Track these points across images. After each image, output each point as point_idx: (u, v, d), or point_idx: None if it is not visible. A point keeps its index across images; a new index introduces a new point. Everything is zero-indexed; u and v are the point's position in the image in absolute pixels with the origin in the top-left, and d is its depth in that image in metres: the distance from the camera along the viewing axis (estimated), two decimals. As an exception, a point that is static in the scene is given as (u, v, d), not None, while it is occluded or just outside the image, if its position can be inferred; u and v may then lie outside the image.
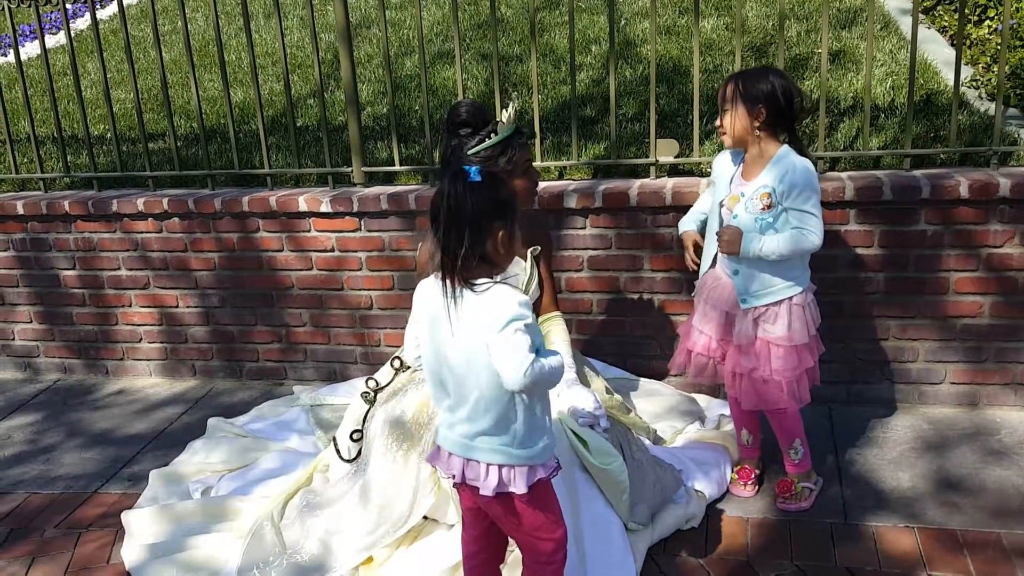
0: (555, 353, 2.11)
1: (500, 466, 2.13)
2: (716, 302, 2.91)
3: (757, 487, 3.06)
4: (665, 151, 3.70)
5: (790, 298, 2.80)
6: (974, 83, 4.22)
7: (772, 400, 2.85)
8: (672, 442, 3.23)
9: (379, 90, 4.96)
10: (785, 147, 2.79)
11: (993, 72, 4.20)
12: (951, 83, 4.28)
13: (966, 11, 4.65)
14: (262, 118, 4.07)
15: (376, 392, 3.00)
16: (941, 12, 4.75)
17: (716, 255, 2.90)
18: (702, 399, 3.59)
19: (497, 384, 2.05)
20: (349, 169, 4.01)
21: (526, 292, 2.92)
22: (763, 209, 2.74)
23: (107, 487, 3.41)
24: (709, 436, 3.26)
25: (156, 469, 3.35)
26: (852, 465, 3.19)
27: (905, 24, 4.82)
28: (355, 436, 3.01)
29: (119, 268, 4.22)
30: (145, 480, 3.33)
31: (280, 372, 4.17)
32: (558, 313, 3.00)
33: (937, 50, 4.57)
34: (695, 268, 3.04)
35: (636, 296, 3.70)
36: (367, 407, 3.00)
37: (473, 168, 2.09)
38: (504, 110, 2.77)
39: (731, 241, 2.77)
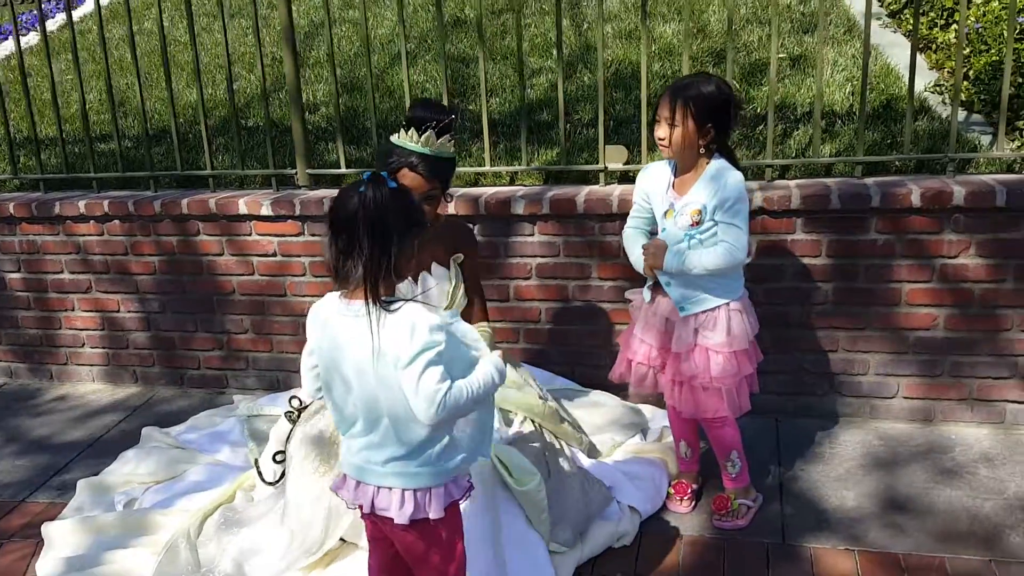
0: (488, 359, 2.02)
1: (415, 490, 2.03)
2: (657, 309, 2.82)
3: (694, 502, 2.97)
4: (614, 157, 3.61)
5: (727, 304, 2.71)
6: (937, 89, 4.13)
7: (711, 408, 2.76)
8: (609, 455, 3.13)
9: (330, 91, 4.85)
10: (720, 161, 2.70)
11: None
12: (916, 88, 4.21)
13: (933, 15, 4.58)
14: (204, 119, 3.98)
15: (300, 411, 2.89)
16: (908, 16, 4.66)
17: None
18: (648, 410, 3.49)
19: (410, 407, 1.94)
20: (293, 171, 3.92)
21: (452, 301, 2.83)
22: (692, 225, 2.66)
23: (35, 496, 3.32)
24: (648, 449, 3.16)
25: (84, 479, 3.26)
26: (795, 481, 3.09)
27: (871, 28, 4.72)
28: (278, 458, 2.90)
29: (62, 271, 4.13)
30: (74, 489, 3.24)
31: (221, 380, 4.08)
32: (484, 323, 2.92)
33: (902, 55, 4.47)
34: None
35: (584, 305, 3.60)
36: (291, 426, 2.89)
37: (385, 174, 1.98)
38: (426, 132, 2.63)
39: (655, 255, 2.72)
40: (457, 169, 3.77)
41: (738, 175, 2.67)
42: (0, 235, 4.14)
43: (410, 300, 1.95)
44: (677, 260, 2.66)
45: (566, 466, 2.80)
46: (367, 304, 1.91)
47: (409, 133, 2.61)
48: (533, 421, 2.90)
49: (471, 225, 3.39)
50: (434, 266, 2.84)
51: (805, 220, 3.30)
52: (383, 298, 1.92)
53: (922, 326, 3.32)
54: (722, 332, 2.71)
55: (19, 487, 3.38)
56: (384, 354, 1.90)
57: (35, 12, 6.92)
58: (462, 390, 1.91)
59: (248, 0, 6.16)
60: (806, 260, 3.35)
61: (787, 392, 3.49)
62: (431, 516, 2.01)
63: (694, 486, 3.00)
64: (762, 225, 3.33)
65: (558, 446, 2.89)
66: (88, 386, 4.24)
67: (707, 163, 2.69)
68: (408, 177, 2.61)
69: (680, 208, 2.69)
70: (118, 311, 4.11)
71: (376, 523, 2.12)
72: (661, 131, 2.67)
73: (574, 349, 3.67)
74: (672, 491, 2.97)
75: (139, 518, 2.94)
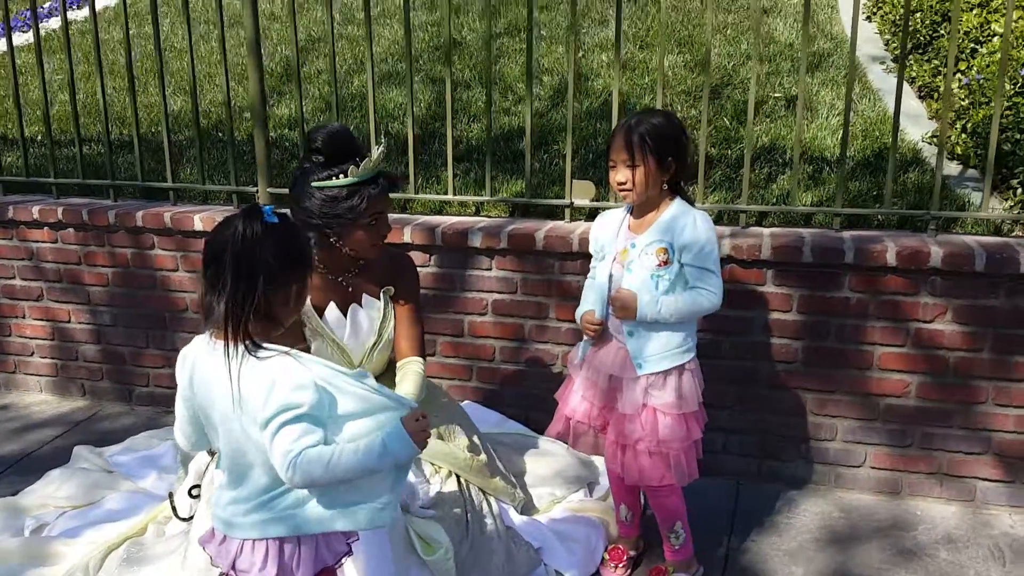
0: (388, 428, 1.83)
1: (282, 544, 1.85)
2: (601, 365, 2.61)
3: (629, 570, 2.76)
4: (581, 193, 3.44)
5: (683, 363, 2.52)
6: (935, 140, 3.93)
7: (656, 476, 2.55)
8: (547, 511, 2.93)
9: (320, 107, 4.74)
10: (679, 201, 2.52)
11: (956, 129, 3.90)
12: (912, 138, 4.01)
13: (937, 62, 4.37)
14: (167, 129, 3.85)
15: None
16: (912, 62, 4.46)
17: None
18: (600, 462, 3.28)
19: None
20: (255, 189, 3.78)
21: (380, 334, 2.68)
22: (659, 265, 2.46)
23: (-52, 513, 3.17)
24: (590, 508, 2.96)
25: (1, 498, 3.11)
26: (743, 554, 2.88)
27: (874, 72, 4.54)
28: (194, 492, 2.73)
29: (14, 277, 4.01)
30: (-7, 505, 3.10)
31: (170, 399, 3.87)
32: (417, 358, 2.71)
33: (904, 101, 4.26)
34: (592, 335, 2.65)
35: (541, 346, 3.42)
36: (209, 460, 2.73)
37: (268, 208, 1.83)
38: (377, 146, 2.52)
39: (625, 307, 2.47)
40: (421, 196, 3.65)
41: (703, 215, 2.49)
42: (-46, 237, 4.04)
43: (284, 352, 1.78)
44: (653, 307, 2.44)
45: (491, 527, 2.61)
46: (226, 346, 1.74)
47: (374, 159, 2.48)
48: (458, 477, 2.71)
49: (406, 253, 3.09)
50: (365, 298, 2.67)
51: (776, 272, 3.11)
52: (252, 342, 1.76)
53: (893, 392, 3.11)
54: (672, 392, 2.51)
55: (-63, 501, 3.24)
56: (246, 402, 1.74)
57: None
58: (323, 457, 1.72)
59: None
60: (776, 314, 3.15)
61: (751, 454, 3.28)
62: None
63: (632, 552, 2.79)
64: (731, 274, 3.13)
65: (485, 505, 2.70)
66: (35, 396, 4.11)
67: (668, 202, 2.51)
68: (385, 201, 2.55)
69: (643, 247, 2.49)
70: (69, 321, 3.98)
71: None
72: (620, 175, 2.47)
73: (528, 392, 3.48)
74: (607, 556, 2.77)
75: (42, 546, 2.78)
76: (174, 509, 2.79)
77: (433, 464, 2.68)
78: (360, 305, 2.67)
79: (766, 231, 3.23)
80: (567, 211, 3.45)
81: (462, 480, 2.71)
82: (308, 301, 2.52)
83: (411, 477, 2.56)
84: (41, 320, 4.02)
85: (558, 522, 2.86)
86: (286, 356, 1.77)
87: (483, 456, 2.80)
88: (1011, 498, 3.09)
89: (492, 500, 2.76)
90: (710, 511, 3.09)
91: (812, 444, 3.22)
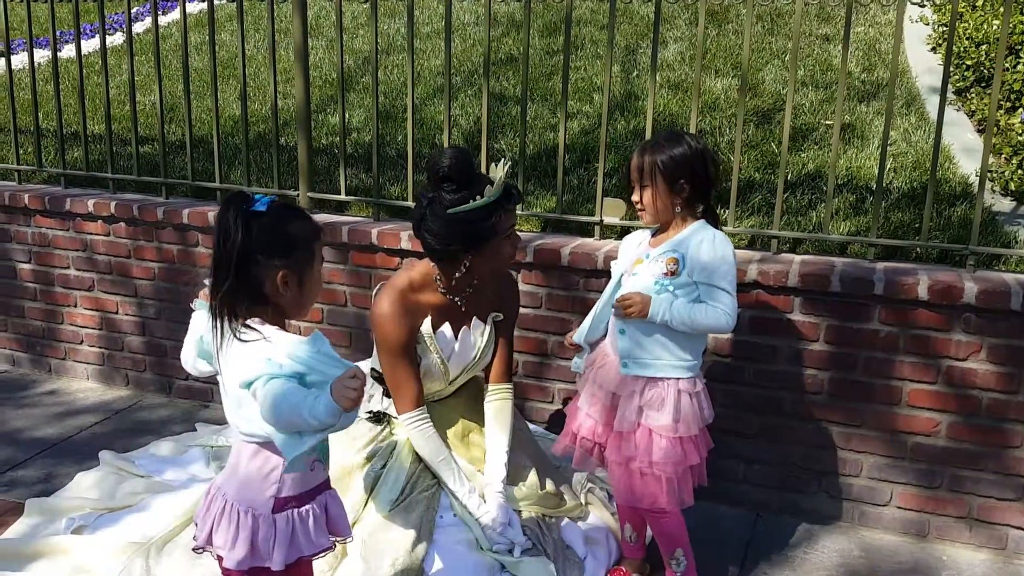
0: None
1: (256, 524, 1.89)
2: (603, 382, 2.60)
3: (631, 594, 2.72)
4: (611, 211, 3.41)
5: (677, 381, 2.48)
6: (989, 174, 3.79)
7: (648, 498, 2.52)
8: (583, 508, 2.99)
9: (369, 117, 4.83)
10: (700, 222, 2.50)
11: (1013, 164, 3.77)
12: (966, 171, 3.89)
13: (999, 96, 4.23)
14: (217, 132, 3.97)
15: None
16: (973, 96, 4.32)
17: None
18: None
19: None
20: (296, 193, 3.86)
21: (479, 359, 2.80)
22: (666, 274, 2.45)
23: (-18, 488, 3.31)
24: (606, 517, 2.94)
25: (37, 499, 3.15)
26: (751, 586, 2.81)
27: (932, 103, 4.41)
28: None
29: (69, 267, 4.18)
30: (23, 486, 3.23)
31: (207, 393, 4.03)
32: (509, 385, 2.87)
33: (960, 135, 4.16)
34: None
35: (563, 362, 3.41)
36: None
37: (265, 198, 1.88)
38: (496, 166, 2.57)
39: (636, 303, 2.44)
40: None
41: (721, 235, 2.47)
42: (16, 225, 4.22)
43: (266, 338, 1.84)
44: (665, 306, 2.42)
45: (552, 549, 2.70)
46: (213, 328, 1.85)
47: (501, 171, 2.57)
48: (532, 515, 2.79)
49: (512, 275, 3.11)
50: (474, 320, 2.77)
51: (804, 300, 3.04)
52: (240, 324, 1.84)
53: (922, 431, 3.00)
54: (669, 414, 2.47)
55: (-27, 476, 3.39)
56: (233, 380, 1.83)
57: (123, 13, 7.19)
58: (283, 385, 1.74)
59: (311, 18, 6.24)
60: (802, 344, 3.07)
61: (772, 485, 3.20)
62: (272, 566, 1.87)
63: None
64: (756, 299, 3.08)
65: (546, 528, 2.78)
66: (81, 383, 4.26)
67: (688, 222, 2.49)
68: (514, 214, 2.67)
69: (655, 256, 2.49)
70: (116, 312, 4.13)
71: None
72: (635, 194, 2.51)
73: (549, 409, 3.47)
74: (609, 578, 2.74)
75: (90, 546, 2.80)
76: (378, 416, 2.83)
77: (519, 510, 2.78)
78: (469, 327, 2.76)
79: (797, 258, 3.17)
80: (597, 228, 3.44)
81: (537, 515, 2.79)
82: (428, 320, 2.66)
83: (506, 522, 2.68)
84: (91, 310, 4.17)
85: (589, 527, 2.89)
86: (265, 343, 1.83)
87: (550, 487, 2.85)
88: (1044, 550, 2.95)
89: (555, 521, 2.83)
90: (725, 540, 3.03)
91: (836, 479, 3.13)
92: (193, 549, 2.01)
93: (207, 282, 1.91)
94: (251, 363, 1.78)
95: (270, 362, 1.76)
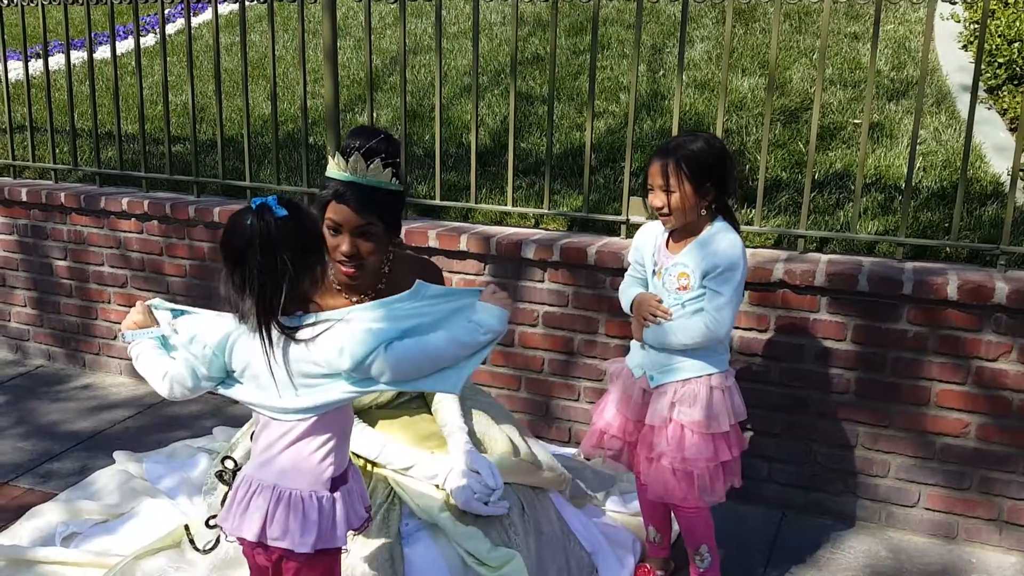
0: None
1: (319, 499, 1.93)
2: (637, 379, 2.61)
3: (655, 593, 2.73)
4: (636, 210, 3.43)
5: (708, 377, 2.49)
6: (1021, 173, 3.74)
7: (679, 494, 2.52)
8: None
9: (397, 116, 4.86)
10: (719, 223, 2.49)
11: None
12: (998, 170, 3.85)
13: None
14: (248, 131, 4.02)
15: (235, 472, 2.60)
16: (1005, 93, 4.28)
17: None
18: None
19: None
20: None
21: None
22: (679, 289, 2.46)
23: (19, 480, 3.38)
24: (624, 520, 2.94)
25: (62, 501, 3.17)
26: (776, 585, 2.81)
27: (963, 101, 4.37)
28: (211, 523, 2.56)
29: (103, 264, 4.25)
30: (58, 478, 3.30)
31: (235, 389, 4.08)
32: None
33: (992, 133, 4.12)
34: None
35: (589, 360, 3.42)
36: (225, 489, 2.62)
37: (271, 199, 1.87)
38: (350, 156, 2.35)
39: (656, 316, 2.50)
40: (482, 206, 3.69)
41: (734, 238, 2.46)
42: (52, 223, 4.30)
43: (338, 320, 1.88)
44: (655, 333, 2.48)
45: (548, 524, 2.56)
46: (262, 337, 1.85)
47: (336, 160, 2.35)
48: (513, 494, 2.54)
49: (432, 261, 2.93)
50: None
51: (831, 299, 3.03)
52: (286, 327, 1.87)
53: (951, 432, 2.98)
54: (701, 409, 2.48)
55: (9, 469, 3.45)
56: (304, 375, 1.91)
57: (156, 14, 7.29)
58: (414, 342, 1.85)
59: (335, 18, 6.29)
60: (829, 343, 3.06)
61: (798, 485, 3.19)
62: (338, 543, 1.95)
63: (659, 573, 2.76)
64: (783, 299, 3.07)
65: (536, 502, 2.59)
66: (115, 378, 4.33)
67: (705, 226, 2.49)
68: (336, 210, 2.31)
69: (669, 268, 2.50)
70: (148, 309, 4.19)
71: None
72: (657, 199, 2.46)
73: (575, 405, 3.48)
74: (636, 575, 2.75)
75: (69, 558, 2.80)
76: (192, 542, 2.70)
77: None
78: None
79: (824, 257, 3.15)
80: (623, 227, 3.45)
81: (510, 484, 2.54)
82: None
83: (470, 481, 2.41)
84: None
85: (607, 526, 2.86)
86: (338, 323, 1.87)
87: (525, 452, 2.66)
88: (1074, 553, 2.92)
89: (542, 495, 2.67)
90: (750, 539, 3.03)
91: (863, 479, 3.12)
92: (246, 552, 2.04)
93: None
94: (346, 344, 1.83)
95: (372, 332, 1.83)
